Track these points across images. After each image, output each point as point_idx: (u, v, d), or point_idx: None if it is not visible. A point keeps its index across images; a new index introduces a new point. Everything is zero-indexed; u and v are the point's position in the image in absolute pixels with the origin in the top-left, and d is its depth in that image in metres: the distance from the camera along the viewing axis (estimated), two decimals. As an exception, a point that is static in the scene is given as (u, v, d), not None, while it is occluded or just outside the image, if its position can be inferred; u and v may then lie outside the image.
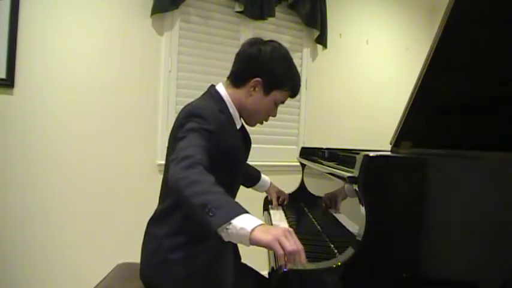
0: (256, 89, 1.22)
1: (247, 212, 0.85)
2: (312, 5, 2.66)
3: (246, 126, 1.34)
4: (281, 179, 2.00)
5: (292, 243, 0.81)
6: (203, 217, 0.83)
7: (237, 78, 1.24)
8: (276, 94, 1.24)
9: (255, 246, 0.82)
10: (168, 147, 1.21)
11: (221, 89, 1.25)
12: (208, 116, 1.11)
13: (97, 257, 2.10)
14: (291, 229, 0.85)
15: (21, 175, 1.98)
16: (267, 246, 0.81)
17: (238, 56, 1.26)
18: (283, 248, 0.80)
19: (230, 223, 0.81)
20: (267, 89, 1.23)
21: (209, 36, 2.45)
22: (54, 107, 2.03)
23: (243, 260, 1.40)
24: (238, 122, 1.27)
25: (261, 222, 0.84)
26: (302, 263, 0.82)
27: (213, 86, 1.27)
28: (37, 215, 2.01)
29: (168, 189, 1.15)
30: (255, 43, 1.24)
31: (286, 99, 1.29)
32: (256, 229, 0.81)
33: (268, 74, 1.21)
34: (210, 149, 1.03)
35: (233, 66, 1.27)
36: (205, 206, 0.83)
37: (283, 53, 1.25)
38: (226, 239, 0.83)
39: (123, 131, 2.22)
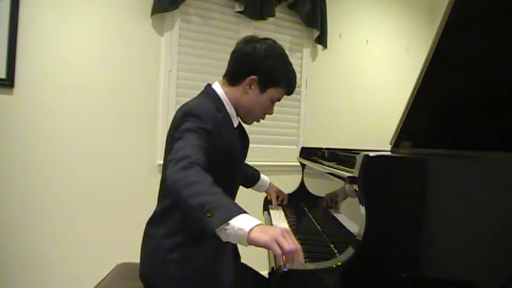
0: (252, 86, 1.22)
1: (245, 212, 0.84)
2: (312, 5, 2.66)
3: (245, 125, 1.34)
4: (281, 179, 2.00)
5: (290, 243, 0.81)
6: (201, 218, 0.83)
7: (232, 77, 1.24)
8: (272, 91, 1.24)
9: (254, 247, 0.82)
10: (165, 148, 1.21)
11: (217, 87, 1.25)
12: (205, 115, 1.10)
13: (97, 257, 2.10)
14: (288, 229, 0.85)
15: (21, 175, 1.98)
16: (265, 246, 0.80)
17: (234, 54, 1.26)
18: (281, 248, 0.79)
19: (228, 223, 0.81)
20: (263, 87, 1.23)
21: (209, 36, 2.45)
22: (54, 107, 2.03)
23: (243, 260, 1.40)
24: (235, 121, 1.27)
25: (259, 222, 0.83)
26: (300, 262, 0.82)
27: (209, 85, 1.27)
28: (37, 215, 2.01)
29: (167, 190, 1.15)
30: (249, 41, 1.24)
31: (282, 97, 1.29)
32: (254, 229, 0.81)
33: (264, 71, 1.21)
34: (207, 148, 1.02)
35: (229, 64, 1.27)
36: (203, 206, 0.83)
37: (278, 50, 1.25)
38: (224, 240, 0.83)
39: (123, 131, 2.21)
